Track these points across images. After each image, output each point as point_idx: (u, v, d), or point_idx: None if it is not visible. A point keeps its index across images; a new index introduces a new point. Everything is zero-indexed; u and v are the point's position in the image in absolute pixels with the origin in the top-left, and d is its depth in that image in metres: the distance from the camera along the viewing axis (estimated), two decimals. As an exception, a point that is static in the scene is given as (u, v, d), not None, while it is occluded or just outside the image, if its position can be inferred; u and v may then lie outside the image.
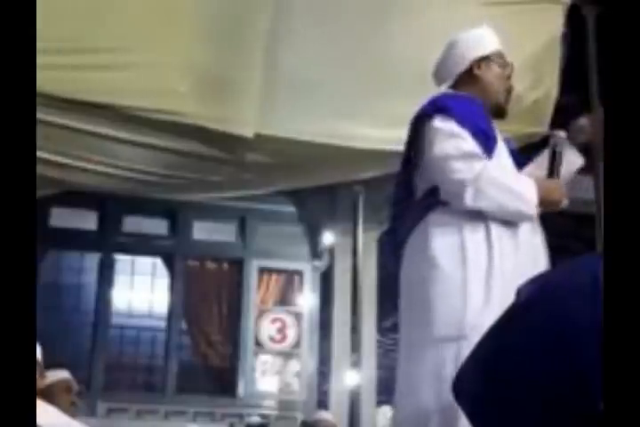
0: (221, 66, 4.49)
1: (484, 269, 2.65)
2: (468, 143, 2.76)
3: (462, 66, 3.00)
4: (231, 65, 4.50)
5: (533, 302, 1.13)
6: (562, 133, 2.94)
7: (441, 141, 2.75)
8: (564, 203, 2.81)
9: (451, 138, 2.76)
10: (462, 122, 2.78)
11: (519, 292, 1.18)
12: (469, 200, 2.68)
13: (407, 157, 2.90)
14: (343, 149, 4.74)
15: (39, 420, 2.18)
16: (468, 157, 2.73)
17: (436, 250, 2.70)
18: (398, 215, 2.95)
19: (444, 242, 2.71)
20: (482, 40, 3.06)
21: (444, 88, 3.01)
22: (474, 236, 2.71)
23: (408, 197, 2.88)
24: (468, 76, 2.99)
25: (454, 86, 3.01)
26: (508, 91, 3.04)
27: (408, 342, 2.74)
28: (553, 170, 2.83)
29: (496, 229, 2.72)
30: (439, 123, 2.78)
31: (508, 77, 3.05)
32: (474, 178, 2.69)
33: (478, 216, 2.72)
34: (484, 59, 3.00)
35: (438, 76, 3.09)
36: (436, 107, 2.83)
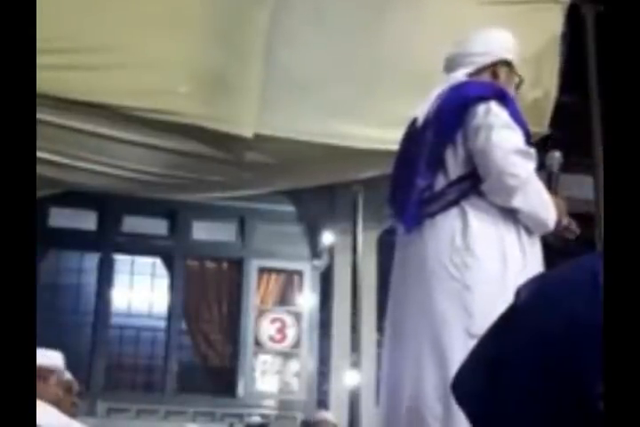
0: (221, 66, 4.50)
1: (520, 267, 2.60)
2: (522, 139, 2.69)
3: (490, 59, 2.96)
4: (230, 65, 4.51)
5: (533, 301, 1.13)
6: (557, 154, 2.91)
7: (500, 129, 2.65)
8: (564, 223, 2.78)
9: (509, 129, 2.68)
10: (512, 115, 2.73)
11: (519, 292, 1.17)
12: (517, 200, 2.62)
13: (442, 134, 2.77)
14: (342, 149, 4.75)
15: (40, 420, 2.18)
16: (525, 154, 2.65)
17: (475, 238, 2.61)
18: (422, 190, 2.76)
19: (483, 233, 2.63)
20: (513, 46, 3.04)
21: (460, 74, 2.94)
22: (509, 233, 2.65)
23: (434, 174, 2.75)
24: (489, 71, 2.95)
25: (471, 76, 2.94)
26: None
27: (435, 332, 2.57)
28: (550, 190, 2.80)
29: (525, 232, 2.68)
30: (497, 108, 2.70)
31: (517, 88, 3.02)
32: (527, 178, 2.63)
33: (511, 213, 2.66)
34: (507, 63, 2.98)
35: (459, 60, 3.00)
36: (494, 91, 2.75)
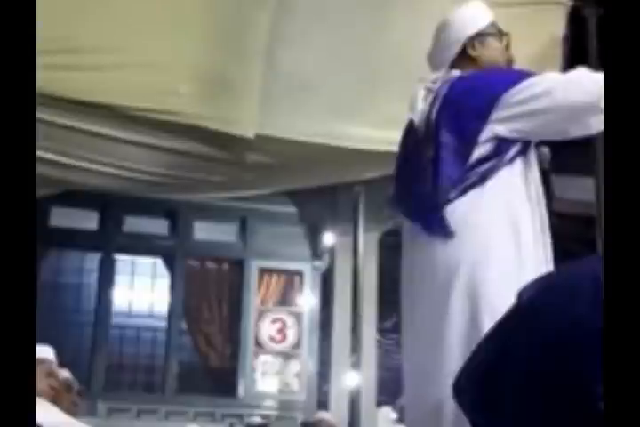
0: (222, 66, 4.50)
1: (539, 258, 2.56)
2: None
3: (455, 48, 2.87)
4: (231, 65, 4.50)
5: (534, 303, 1.13)
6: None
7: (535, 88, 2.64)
8: None
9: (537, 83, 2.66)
10: None
11: (520, 294, 1.17)
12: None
13: (469, 131, 2.67)
14: (344, 150, 4.74)
15: (40, 418, 2.18)
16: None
17: (488, 230, 2.55)
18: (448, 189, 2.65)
19: (492, 220, 2.57)
20: (472, 17, 2.92)
21: (446, 71, 2.86)
22: (524, 218, 2.60)
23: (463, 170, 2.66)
24: (465, 58, 2.86)
25: (452, 69, 2.85)
26: (509, 62, 2.92)
27: (451, 330, 2.52)
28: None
29: (539, 217, 2.63)
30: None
31: (507, 48, 2.92)
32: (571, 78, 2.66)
33: (524, 197, 2.63)
34: (478, 36, 2.87)
35: (433, 62, 2.95)
36: (521, 75, 2.72)
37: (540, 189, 2.71)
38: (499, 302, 2.42)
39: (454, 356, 2.50)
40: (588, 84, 2.59)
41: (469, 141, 2.67)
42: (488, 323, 2.43)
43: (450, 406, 2.47)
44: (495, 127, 2.65)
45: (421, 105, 2.81)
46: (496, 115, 2.65)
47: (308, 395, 9.80)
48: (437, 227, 2.65)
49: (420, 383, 2.67)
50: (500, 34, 2.93)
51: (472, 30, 2.88)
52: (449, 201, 2.62)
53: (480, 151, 2.65)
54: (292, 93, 4.59)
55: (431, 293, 2.62)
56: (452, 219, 2.60)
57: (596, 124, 2.61)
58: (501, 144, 2.65)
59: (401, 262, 2.82)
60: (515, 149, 2.67)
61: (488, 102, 2.66)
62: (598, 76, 2.58)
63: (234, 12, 4.47)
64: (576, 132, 2.69)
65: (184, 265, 10.11)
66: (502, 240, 2.57)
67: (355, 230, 8.04)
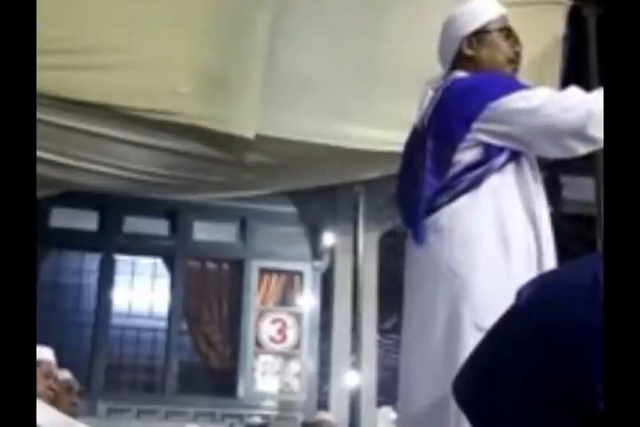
0: (221, 66, 4.50)
1: (530, 264, 2.53)
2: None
3: (453, 47, 2.79)
4: (231, 65, 4.50)
5: (534, 303, 1.13)
6: None
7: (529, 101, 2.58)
8: None
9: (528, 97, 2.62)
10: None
11: (519, 293, 1.17)
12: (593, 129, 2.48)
13: (451, 139, 2.63)
14: (344, 150, 4.75)
15: (41, 421, 2.18)
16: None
17: (477, 234, 2.53)
18: (430, 199, 2.63)
19: (485, 229, 2.54)
20: (471, 14, 2.82)
21: (449, 72, 2.81)
22: (514, 225, 2.57)
23: (442, 178, 2.62)
24: (463, 58, 2.78)
25: (452, 70, 2.79)
26: (512, 59, 2.81)
27: (446, 329, 2.49)
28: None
29: (544, 220, 2.59)
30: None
31: (513, 44, 2.82)
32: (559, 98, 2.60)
33: (516, 203, 2.59)
34: (476, 33, 2.78)
35: (441, 61, 2.89)
36: (518, 85, 2.65)
37: (535, 195, 2.66)
38: (482, 303, 2.43)
39: (435, 358, 2.51)
40: (579, 107, 2.54)
41: (450, 147, 2.63)
42: (469, 324, 2.44)
43: (428, 409, 2.49)
44: (478, 135, 2.61)
45: (426, 106, 2.79)
46: (480, 125, 2.60)
47: (308, 395, 9.79)
48: (416, 233, 2.66)
49: (405, 385, 2.68)
50: (506, 30, 2.84)
51: (469, 29, 2.79)
52: (440, 206, 2.60)
53: (469, 156, 2.61)
54: (293, 94, 4.60)
55: (423, 293, 2.62)
56: (440, 223, 2.59)
57: (579, 149, 2.58)
58: (490, 150, 2.61)
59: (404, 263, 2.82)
60: (505, 156, 2.62)
61: (474, 110, 2.61)
62: (590, 100, 2.54)
63: (234, 12, 4.47)
64: (557, 153, 2.65)
65: (184, 265, 10.10)
66: (490, 244, 2.54)
67: (355, 230, 8.03)
